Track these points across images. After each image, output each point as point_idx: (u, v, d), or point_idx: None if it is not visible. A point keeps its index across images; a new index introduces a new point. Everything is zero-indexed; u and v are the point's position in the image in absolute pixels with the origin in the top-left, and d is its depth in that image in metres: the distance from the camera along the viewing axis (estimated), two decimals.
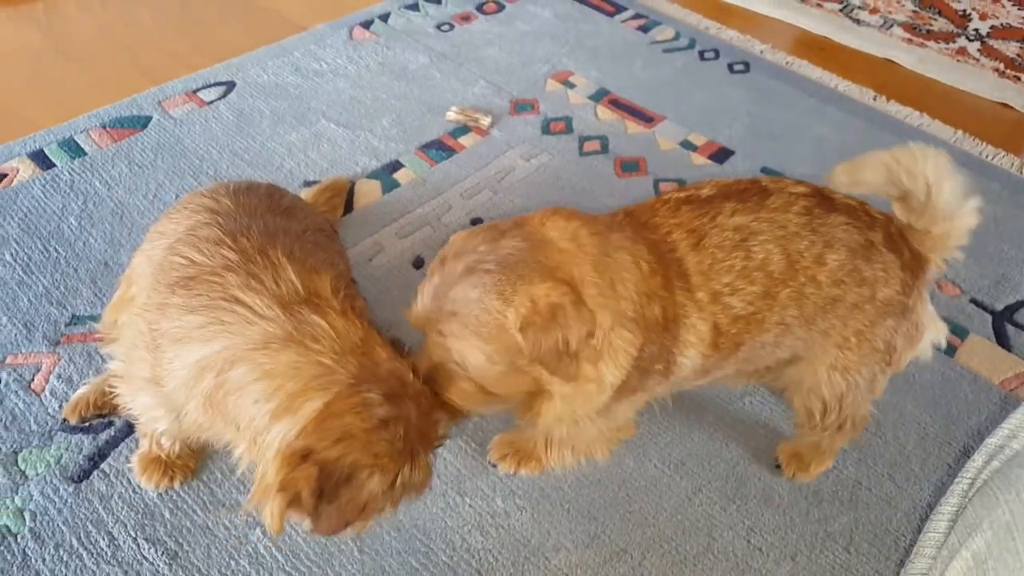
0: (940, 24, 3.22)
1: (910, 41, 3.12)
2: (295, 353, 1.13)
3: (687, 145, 2.49)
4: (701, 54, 2.94)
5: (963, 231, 1.26)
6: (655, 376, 1.31)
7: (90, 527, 1.46)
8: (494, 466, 1.61)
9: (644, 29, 3.05)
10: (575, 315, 1.13)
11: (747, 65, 2.90)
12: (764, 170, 2.41)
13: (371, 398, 1.11)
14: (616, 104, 2.63)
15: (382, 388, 1.12)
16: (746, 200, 1.29)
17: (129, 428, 1.57)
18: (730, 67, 2.89)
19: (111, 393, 1.46)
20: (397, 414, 1.12)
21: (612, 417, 1.40)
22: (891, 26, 3.19)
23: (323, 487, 1.07)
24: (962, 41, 3.13)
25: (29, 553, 1.41)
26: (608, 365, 1.23)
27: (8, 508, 1.46)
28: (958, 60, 3.03)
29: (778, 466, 1.65)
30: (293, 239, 1.36)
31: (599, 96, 2.66)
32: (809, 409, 1.47)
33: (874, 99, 2.80)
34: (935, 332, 1.40)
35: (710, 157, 2.46)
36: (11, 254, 1.89)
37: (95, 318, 1.75)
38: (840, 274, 1.28)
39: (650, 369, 1.29)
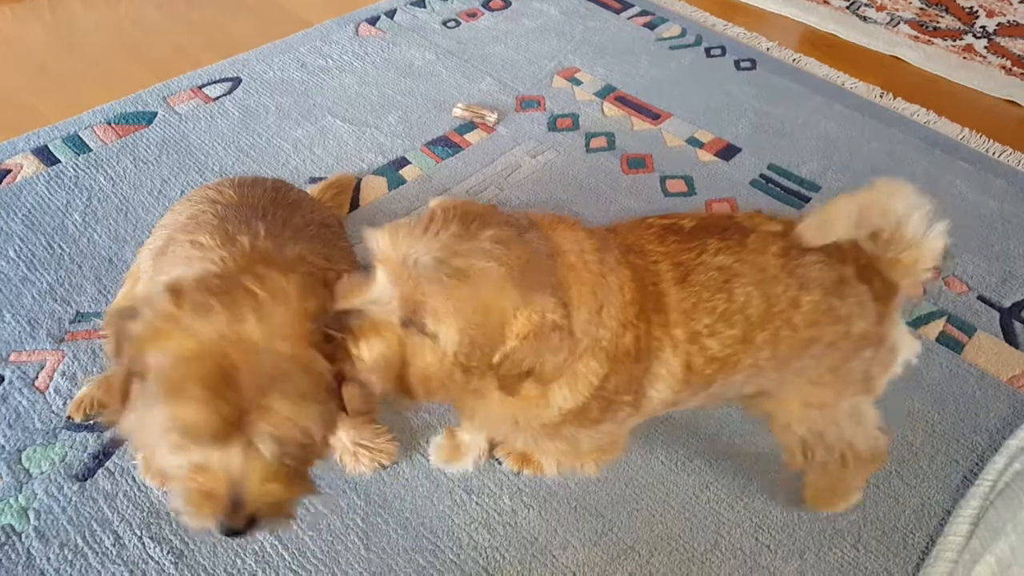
0: (947, 21, 3.21)
1: (917, 38, 3.11)
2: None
3: (693, 142, 2.48)
4: (708, 51, 2.94)
5: (933, 254, 1.25)
6: (624, 408, 1.28)
7: (95, 526, 1.45)
8: (499, 462, 1.60)
9: (651, 26, 3.04)
10: (569, 342, 1.09)
11: (754, 62, 2.89)
12: (771, 167, 2.40)
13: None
14: (622, 101, 2.62)
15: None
16: (727, 239, 1.26)
17: None
18: (737, 64, 2.88)
19: None
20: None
21: (572, 444, 1.35)
22: (898, 23, 3.18)
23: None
24: (969, 38, 3.12)
25: (34, 552, 1.41)
26: (562, 388, 1.20)
27: (12, 507, 1.46)
28: (965, 57, 3.02)
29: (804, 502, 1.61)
30: (294, 231, 1.35)
31: (605, 93, 2.65)
32: (790, 446, 1.44)
33: (881, 96, 2.78)
34: (908, 350, 1.38)
35: (717, 154, 2.45)
36: (15, 250, 1.89)
37: (99, 315, 1.75)
38: (815, 315, 1.25)
39: (616, 400, 1.25)
